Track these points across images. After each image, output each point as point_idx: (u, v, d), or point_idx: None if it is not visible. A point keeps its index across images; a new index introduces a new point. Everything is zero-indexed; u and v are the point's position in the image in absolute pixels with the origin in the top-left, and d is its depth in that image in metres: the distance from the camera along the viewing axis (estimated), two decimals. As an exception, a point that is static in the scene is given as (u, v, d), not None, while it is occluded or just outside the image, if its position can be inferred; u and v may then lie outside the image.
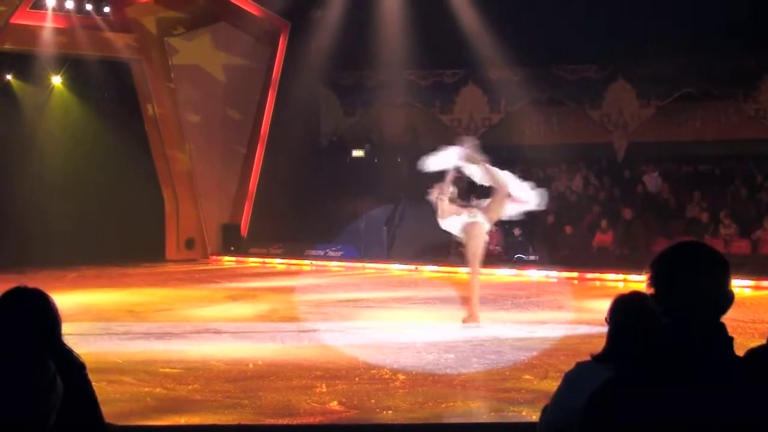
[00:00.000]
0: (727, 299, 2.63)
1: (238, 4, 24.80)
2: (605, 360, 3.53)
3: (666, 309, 2.63)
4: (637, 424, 2.47)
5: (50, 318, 3.44)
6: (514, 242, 22.12)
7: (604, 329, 3.72)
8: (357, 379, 9.16)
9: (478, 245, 12.86)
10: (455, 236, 13.43)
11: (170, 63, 24.73)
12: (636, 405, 2.48)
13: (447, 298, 15.81)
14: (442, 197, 12.69)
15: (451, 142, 13.70)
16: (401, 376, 9.25)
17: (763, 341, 3.09)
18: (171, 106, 24.77)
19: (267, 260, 24.22)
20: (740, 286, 16.49)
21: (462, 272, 20.29)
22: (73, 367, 3.42)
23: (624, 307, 3.68)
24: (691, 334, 2.55)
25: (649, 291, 2.69)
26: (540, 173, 24.99)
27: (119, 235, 23.22)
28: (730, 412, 2.44)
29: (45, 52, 22.79)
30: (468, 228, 12.78)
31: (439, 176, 12.98)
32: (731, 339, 2.58)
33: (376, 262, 22.54)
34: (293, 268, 23.12)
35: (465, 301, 13.44)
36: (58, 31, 22.74)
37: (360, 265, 22.57)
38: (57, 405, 3.15)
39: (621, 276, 18.92)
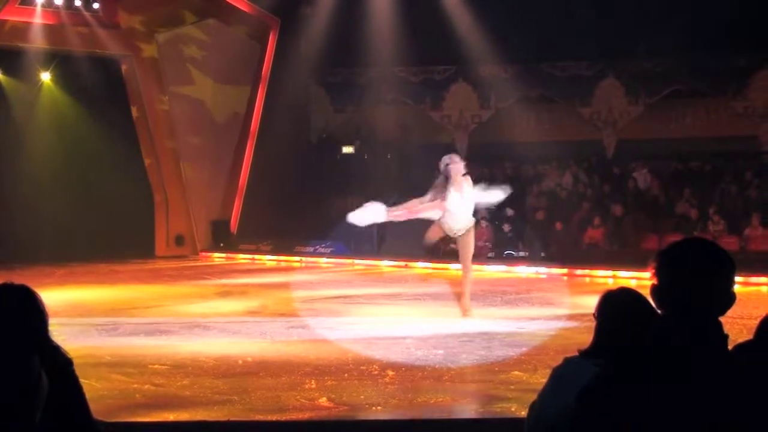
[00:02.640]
0: (728, 299, 2.64)
1: (228, 0, 24.76)
2: (592, 355, 3.54)
3: (666, 301, 2.63)
4: (629, 419, 2.47)
5: (36, 314, 3.43)
6: (504, 238, 22.16)
7: (593, 325, 3.73)
8: (346, 375, 9.16)
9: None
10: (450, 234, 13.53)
11: (160, 59, 24.69)
12: (628, 400, 2.49)
13: (437, 294, 15.83)
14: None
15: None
16: (391, 372, 9.25)
17: (751, 337, 3.10)
18: (160, 102, 24.73)
19: (257, 257, 24.19)
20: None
21: (453, 269, 20.42)
22: (60, 363, 3.41)
23: (612, 303, 3.69)
24: (687, 330, 2.56)
25: (652, 281, 2.68)
26: (530, 170, 25.07)
27: (108, 231, 23.14)
28: (720, 408, 2.45)
29: (34, 49, 22.72)
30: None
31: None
32: (726, 337, 2.59)
33: (366, 259, 22.54)
34: (283, 264, 23.10)
35: (459, 296, 13.59)
36: (48, 28, 22.67)
37: (350, 261, 22.56)
38: (42, 402, 3.14)
39: (610, 272, 18.97)
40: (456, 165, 12.87)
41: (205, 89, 25.68)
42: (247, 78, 26.20)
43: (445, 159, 13.06)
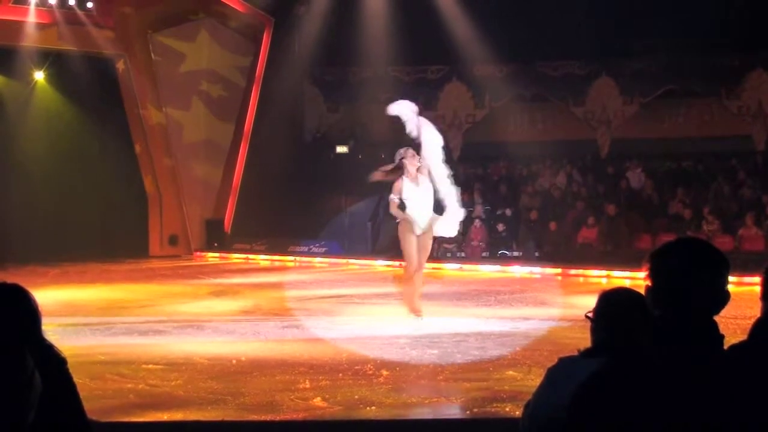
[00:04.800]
0: (723, 298, 2.64)
1: (222, -1, 24.76)
2: (594, 355, 3.53)
3: (661, 302, 2.63)
4: (624, 419, 2.47)
5: (29, 314, 3.42)
6: (498, 238, 22.16)
7: (587, 324, 3.73)
8: (340, 375, 9.15)
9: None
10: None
11: (153, 58, 24.65)
12: (623, 400, 2.48)
13: (431, 294, 15.78)
14: None
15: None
16: (385, 372, 9.24)
17: (745, 337, 3.10)
18: (155, 101, 24.68)
19: (250, 256, 24.16)
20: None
21: (447, 268, 20.41)
22: (54, 362, 3.40)
23: (610, 303, 3.68)
24: (683, 330, 2.55)
25: (646, 282, 2.68)
26: (524, 169, 25.07)
27: (102, 231, 23.14)
28: (715, 408, 2.45)
29: (27, 48, 22.68)
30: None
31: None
32: (722, 337, 2.59)
33: (360, 258, 22.52)
34: (277, 264, 23.07)
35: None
36: (41, 26, 22.64)
37: (344, 261, 22.54)
38: (35, 401, 3.13)
39: (604, 272, 18.99)
40: (411, 159, 12.85)
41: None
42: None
43: (400, 152, 13.07)
